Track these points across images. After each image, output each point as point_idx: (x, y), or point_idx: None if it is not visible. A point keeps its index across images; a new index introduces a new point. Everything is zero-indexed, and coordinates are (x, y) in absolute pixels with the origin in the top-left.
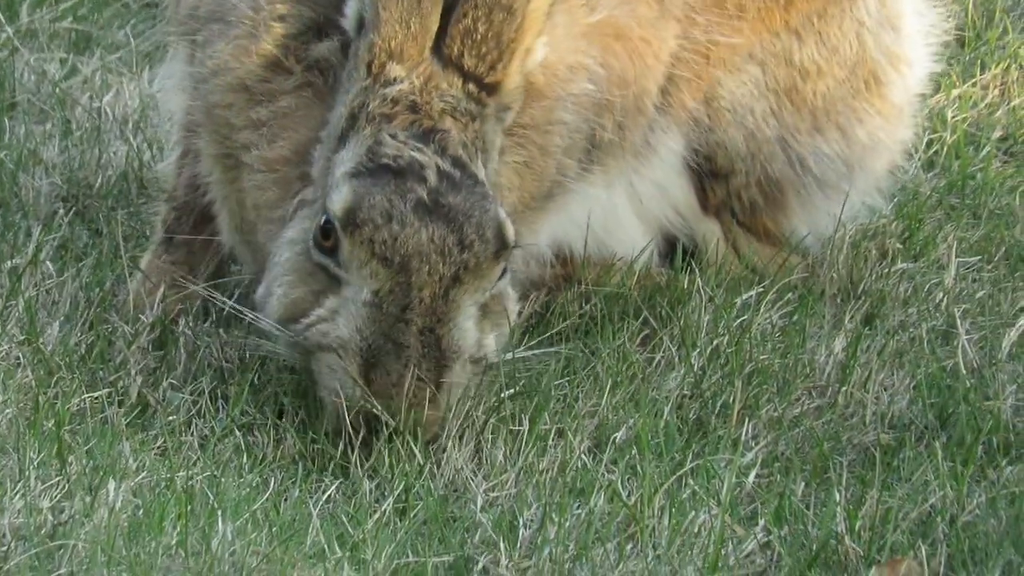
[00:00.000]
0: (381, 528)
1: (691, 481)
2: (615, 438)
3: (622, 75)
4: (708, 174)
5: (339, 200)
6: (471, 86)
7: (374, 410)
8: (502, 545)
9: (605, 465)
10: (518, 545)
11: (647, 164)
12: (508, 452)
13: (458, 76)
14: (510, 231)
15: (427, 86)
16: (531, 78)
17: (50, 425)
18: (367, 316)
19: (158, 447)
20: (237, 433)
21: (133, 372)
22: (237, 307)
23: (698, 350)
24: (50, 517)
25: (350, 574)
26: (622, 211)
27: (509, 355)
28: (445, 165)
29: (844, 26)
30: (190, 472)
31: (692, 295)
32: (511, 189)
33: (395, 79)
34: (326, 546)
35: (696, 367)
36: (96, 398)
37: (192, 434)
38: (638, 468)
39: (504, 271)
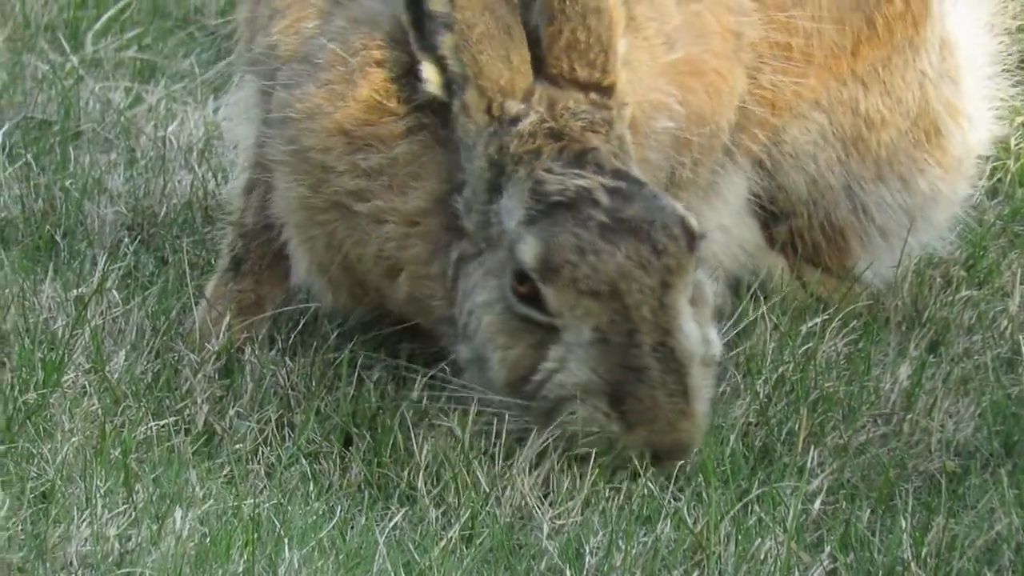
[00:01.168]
0: (447, 556)
1: (757, 508)
2: (682, 465)
3: (700, 112)
4: (771, 216)
5: (527, 250)
6: (593, 95)
7: (637, 443)
8: (568, 573)
9: (671, 492)
10: (584, 573)
11: (711, 207)
12: (574, 479)
13: (578, 90)
14: (694, 220)
15: (555, 110)
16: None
17: (117, 453)
18: (599, 354)
19: (225, 475)
20: (303, 461)
21: (199, 400)
22: (465, 384)
23: (763, 378)
24: (117, 545)
25: None
26: None
27: None
28: (609, 181)
29: (907, 76)
30: (257, 500)
31: (757, 323)
32: None
33: (518, 114)
34: (392, 574)
35: (762, 395)
36: (162, 426)
37: (259, 462)
38: (704, 495)
39: (698, 259)
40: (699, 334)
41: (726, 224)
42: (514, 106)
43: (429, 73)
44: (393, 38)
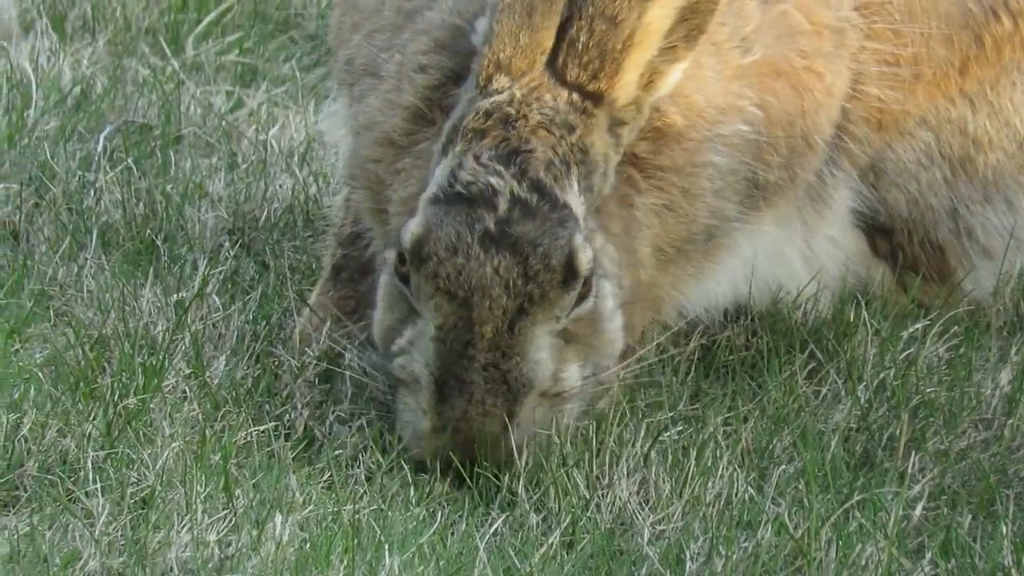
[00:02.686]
0: (548, 561)
1: (858, 514)
2: (782, 471)
3: (785, 113)
4: (873, 228)
5: (410, 230)
6: (574, 95)
7: (436, 445)
8: None
9: (771, 498)
10: None
11: (821, 219)
12: (674, 485)
13: (563, 87)
14: (583, 258)
15: (528, 97)
16: (668, 119)
17: (217, 459)
18: (434, 351)
19: (325, 480)
20: (404, 466)
21: (300, 406)
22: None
23: (864, 383)
24: (217, 551)
25: None
26: (795, 263)
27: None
28: (521, 190)
29: (1015, 98)
30: (357, 506)
31: (858, 328)
32: (649, 227)
33: (498, 91)
34: None
35: (862, 400)
36: (263, 432)
37: (359, 467)
38: (805, 501)
39: (588, 292)
40: (549, 368)
41: (833, 235)
42: (501, 82)
43: (481, 25)
44: (440, 43)
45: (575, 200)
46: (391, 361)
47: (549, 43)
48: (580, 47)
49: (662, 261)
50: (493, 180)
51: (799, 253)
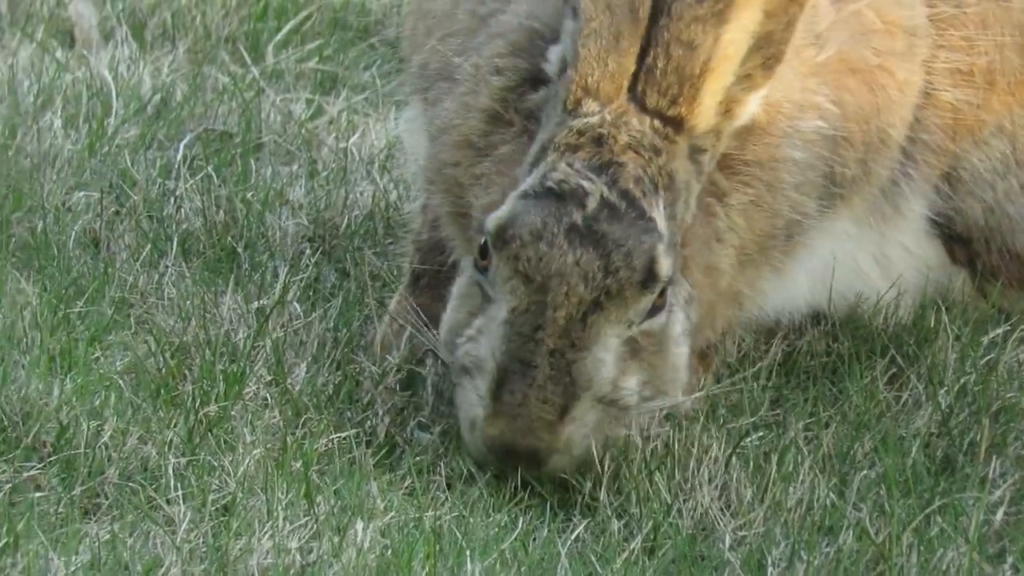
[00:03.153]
0: (630, 567)
1: (939, 519)
2: (863, 476)
3: (860, 109)
4: (950, 236)
5: (495, 216)
6: (656, 122)
7: (492, 433)
8: None
9: (852, 503)
10: None
11: (894, 227)
12: (756, 490)
13: (645, 112)
14: (664, 266)
15: (617, 121)
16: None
17: (298, 466)
18: (503, 335)
19: (406, 487)
20: (485, 473)
21: (380, 412)
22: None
23: (945, 388)
24: (299, 558)
25: None
26: (871, 273)
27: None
28: (611, 195)
29: None
30: (438, 512)
31: (939, 334)
32: (736, 231)
33: (588, 114)
34: None
35: (943, 405)
36: (344, 438)
37: (440, 473)
38: (886, 506)
39: (662, 307)
40: (612, 372)
41: (907, 243)
42: (590, 106)
43: (554, 54)
44: (516, 46)
45: (661, 220)
46: (455, 356)
47: (633, 67)
48: (659, 73)
49: (743, 262)
50: (584, 183)
51: (874, 262)
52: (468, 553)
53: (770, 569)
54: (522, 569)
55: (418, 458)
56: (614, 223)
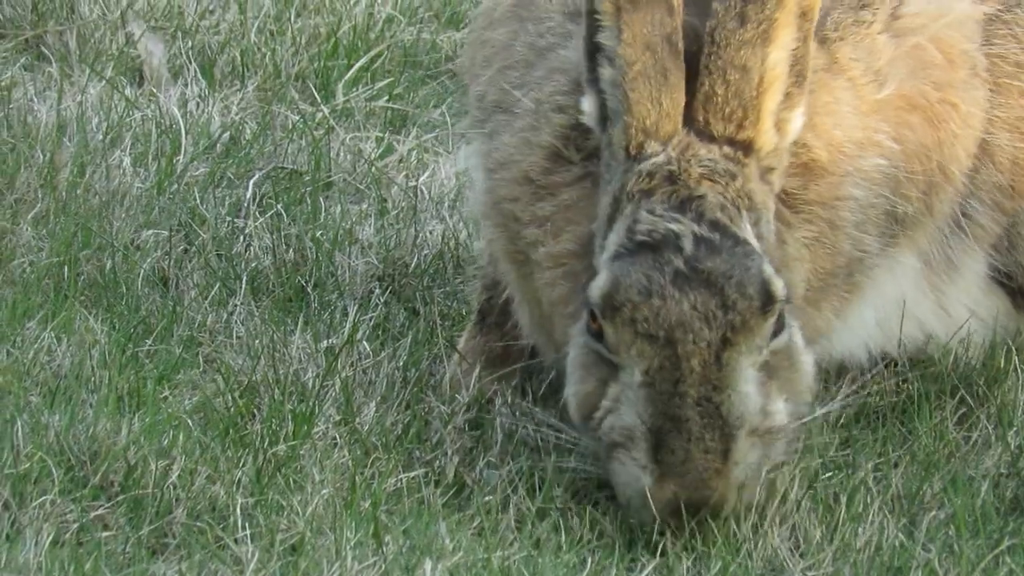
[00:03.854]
0: None
1: (1008, 560)
2: (932, 516)
3: (921, 146)
4: (1012, 289)
5: (597, 286)
6: (726, 148)
7: (665, 496)
8: None
9: (922, 544)
10: None
11: (953, 283)
12: (825, 531)
13: (711, 141)
14: (777, 284)
15: (684, 155)
16: (813, 154)
17: (367, 505)
18: (645, 398)
19: (475, 527)
20: (554, 513)
21: (449, 452)
22: (553, 423)
23: (1015, 428)
24: None
25: None
26: (932, 326)
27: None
28: (703, 230)
29: None
30: (507, 552)
31: (1008, 374)
32: (801, 261)
33: (653, 155)
34: None
35: (1013, 445)
36: (412, 478)
37: (509, 513)
38: (955, 547)
39: (782, 325)
40: (758, 401)
41: (967, 301)
42: (652, 147)
43: (588, 105)
44: (578, 83)
45: (752, 239)
46: (596, 429)
47: (683, 100)
48: (719, 100)
49: (805, 298)
50: (673, 226)
51: (935, 317)
52: None
53: None
54: None
55: (487, 498)
56: (715, 257)
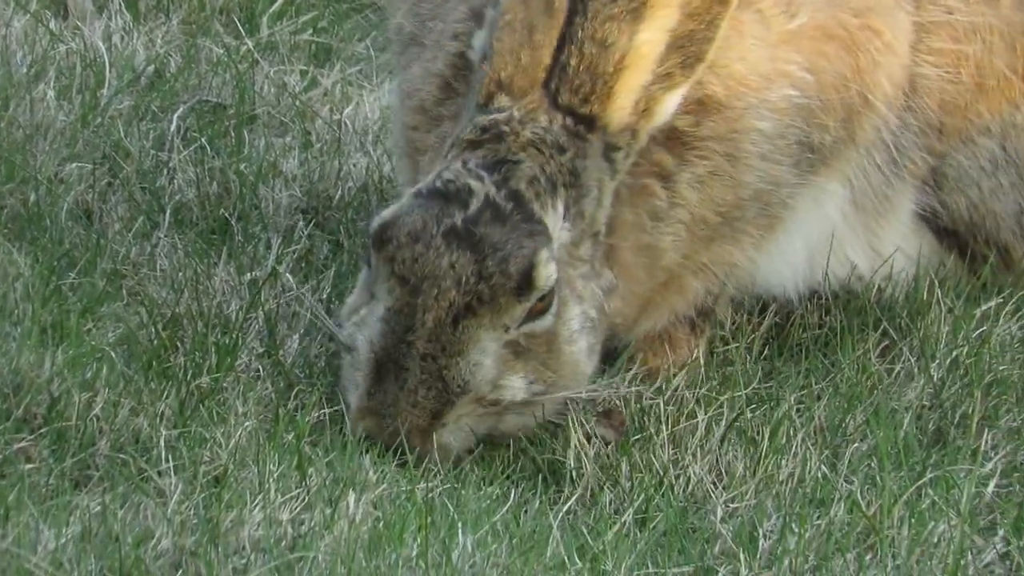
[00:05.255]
0: (621, 539)
1: (930, 491)
2: (855, 449)
3: (837, 76)
4: (937, 228)
5: (380, 215)
6: (568, 120)
7: (364, 426)
8: (742, 556)
9: (844, 476)
10: (758, 556)
11: (886, 222)
12: (747, 463)
13: (556, 110)
14: (544, 275)
15: (525, 117)
16: (708, 90)
17: (290, 438)
18: (379, 331)
19: (398, 459)
20: (479, 445)
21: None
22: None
23: (937, 361)
24: (290, 529)
25: None
26: (859, 260)
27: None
28: (498, 197)
29: None
30: (430, 484)
31: (931, 307)
32: (685, 206)
33: (499, 109)
34: (566, 557)
35: (935, 378)
36: (336, 410)
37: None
38: (877, 479)
39: (546, 311)
40: (491, 374)
41: (901, 244)
42: (501, 102)
43: (477, 41)
44: (474, 12)
45: (554, 221)
46: (345, 330)
47: (548, 61)
48: (571, 71)
49: (703, 235)
50: (472, 182)
51: (865, 256)
52: (460, 525)
53: (761, 541)
54: (513, 541)
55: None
56: (496, 226)
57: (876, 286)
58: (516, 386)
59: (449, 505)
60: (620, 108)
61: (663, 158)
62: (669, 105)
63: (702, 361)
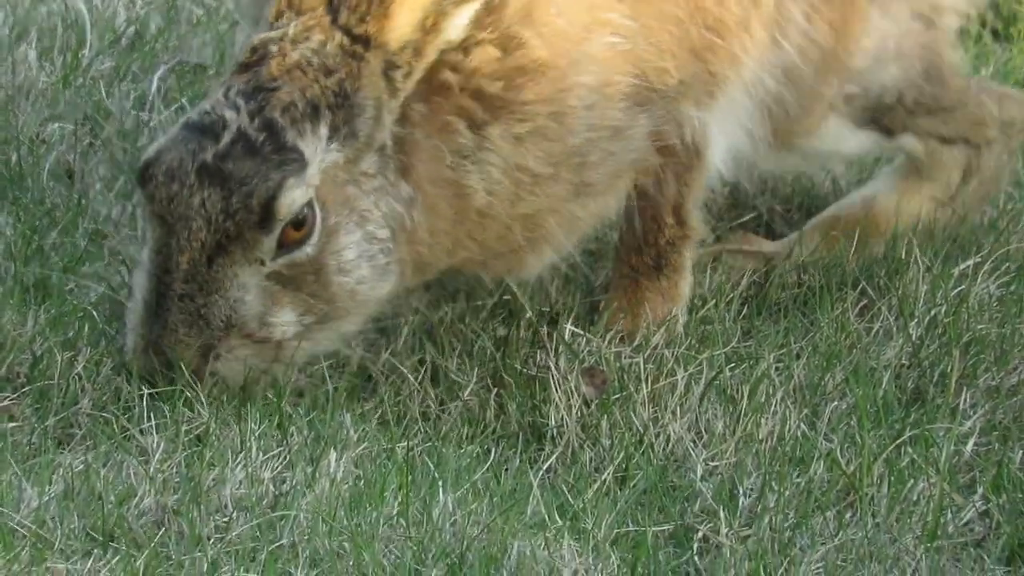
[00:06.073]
0: (601, 498)
1: (909, 450)
2: (834, 407)
3: (668, 17)
4: (882, 126)
5: (147, 150)
6: (344, 39)
7: (139, 366)
8: (722, 514)
9: (823, 434)
10: (738, 514)
11: (816, 138)
12: (727, 421)
13: (336, 29)
14: (285, 203)
15: (299, 36)
16: (534, 54)
17: (271, 397)
18: (145, 273)
19: (378, 418)
20: (458, 404)
21: (353, 343)
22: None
23: (916, 320)
24: (271, 488)
25: (570, 543)
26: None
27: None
28: (250, 128)
29: None
30: (410, 443)
31: (910, 265)
32: (499, 154)
33: (276, 27)
34: (546, 516)
35: (914, 337)
36: (316, 369)
37: (413, 404)
38: (857, 437)
39: (301, 242)
40: (256, 309)
41: (837, 147)
42: (285, 20)
43: None
44: None
45: (313, 145)
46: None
47: None
48: None
49: (536, 182)
50: (227, 113)
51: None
52: (440, 484)
53: (741, 499)
54: (494, 499)
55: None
56: (245, 160)
57: (853, 244)
58: (286, 320)
59: (429, 463)
60: (400, 27)
61: (471, 107)
62: (460, 20)
63: (681, 320)
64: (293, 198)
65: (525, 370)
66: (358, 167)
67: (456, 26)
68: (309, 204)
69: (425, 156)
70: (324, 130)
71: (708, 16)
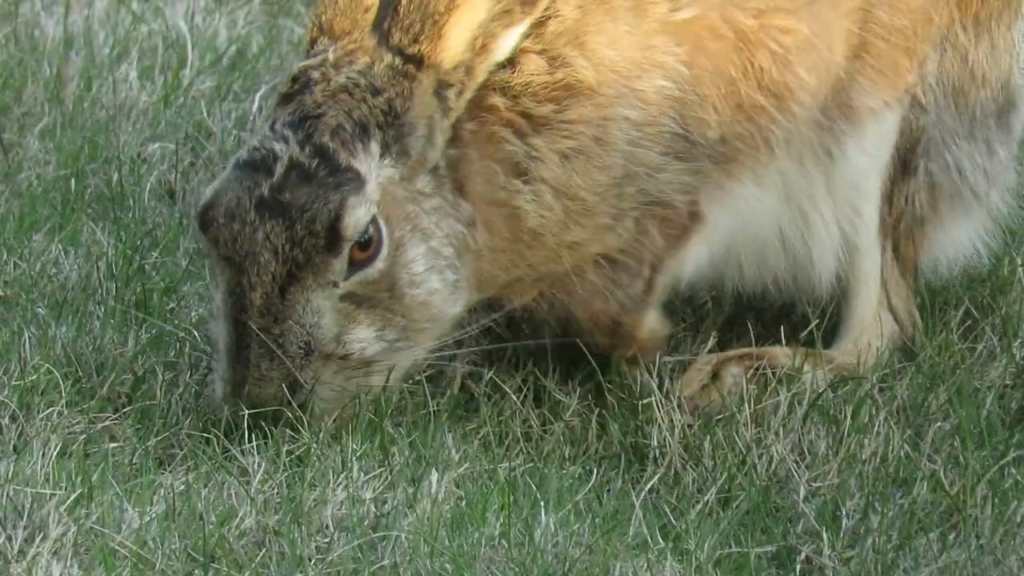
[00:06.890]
0: (703, 519)
1: (1013, 471)
2: (937, 428)
3: (718, 73)
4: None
5: (204, 194)
6: (397, 59)
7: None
8: (825, 535)
9: (927, 455)
10: (841, 535)
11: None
12: (830, 442)
13: (386, 50)
14: (350, 223)
15: (340, 60)
16: (580, 75)
17: (373, 417)
18: (223, 317)
19: (481, 438)
20: (560, 424)
21: (457, 363)
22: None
23: (1020, 339)
24: (373, 508)
25: (672, 565)
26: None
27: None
28: (302, 155)
29: (1007, 39)
30: (512, 463)
31: (1014, 284)
32: (550, 166)
33: (315, 54)
34: (648, 537)
35: (1018, 356)
36: (418, 388)
37: (515, 424)
38: (960, 458)
39: (371, 260)
40: (330, 331)
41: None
42: (323, 45)
43: None
44: None
45: (367, 163)
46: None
47: (371, 2)
48: (402, 11)
49: (575, 211)
50: (276, 146)
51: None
52: (542, 504)
53: (844, 521)
54: (596, 520)
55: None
56: (301, 187)
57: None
58: (363, 337)
59: (531, 484)
60: (451, 47)
61: (517, 121)
62: (508, 42)
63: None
64: (357, 216)
65: (627, 391)
66: (414, 185)
67: (504, 46)
68: (373, 221)
69: (479, 176)
70: (375, 147)
71: (767, 78)
